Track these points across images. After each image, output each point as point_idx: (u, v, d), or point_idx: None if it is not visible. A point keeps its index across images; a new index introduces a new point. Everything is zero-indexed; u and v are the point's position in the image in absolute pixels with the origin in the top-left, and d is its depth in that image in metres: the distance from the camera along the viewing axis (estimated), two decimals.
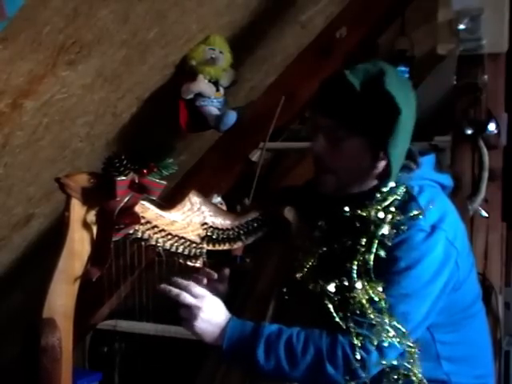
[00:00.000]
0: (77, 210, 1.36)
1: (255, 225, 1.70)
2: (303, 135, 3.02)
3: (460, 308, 1.67)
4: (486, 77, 2.41)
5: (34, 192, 2.44)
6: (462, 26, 2.36)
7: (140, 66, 2.34)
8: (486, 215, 2.43)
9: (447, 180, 1.74)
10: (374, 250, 1.52)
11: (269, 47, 2.80)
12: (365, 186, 1.64)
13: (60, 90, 2.11)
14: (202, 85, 2.55)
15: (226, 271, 1.79)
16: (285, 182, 3.38)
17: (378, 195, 1.58)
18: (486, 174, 2.41)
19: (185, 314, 1.56)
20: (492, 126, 2.40)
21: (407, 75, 2.97)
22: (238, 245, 1.69)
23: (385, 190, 1.58)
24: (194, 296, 1.55)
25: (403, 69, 2.91)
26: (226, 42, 2.56)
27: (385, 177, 1.61)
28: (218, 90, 2.60)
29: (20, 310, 2.74)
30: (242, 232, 1.68)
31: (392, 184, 1.59)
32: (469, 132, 2.43)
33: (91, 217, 1.37)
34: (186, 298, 1.55)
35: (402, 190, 1.58)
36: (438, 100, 2.93)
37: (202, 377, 1.71)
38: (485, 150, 2.41)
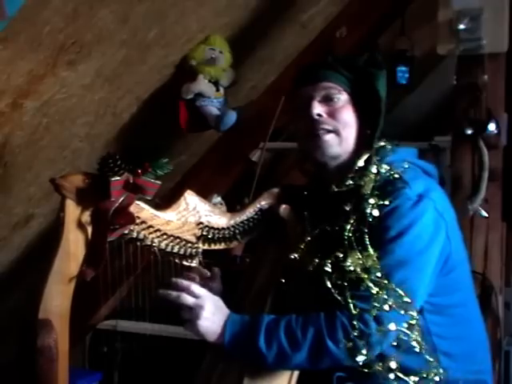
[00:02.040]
0: (72, 210, 1.36)
1: (251, 224, 1.71)
2: None
3: (454, 292, 1.68)
4: (485, 77, 2.41)
5: (33, 192, 2.45)
6: (462, 26, 2.36)
7: (140, 65, 2.34)
8: (486, 215, 2.42)
9: (431, 168, 1.78)
10: (365, 218, 1.55)
11: (269, 47, 2.80)
12: (350, 155, 1.70)
13: (60, 90, 2.12)
14: (202, 85, 2.55)
15: (217, 270, 1.81)
16: (285, 182, 3.37)
17: (361, 162, 1.64)
18: (485, 174, 2.41)
19: (187, 315, 1.56)
20: (492, 126, 2.40)
21: (407, 75, 2.98)
22: (234, 244, 1.69)
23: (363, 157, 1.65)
24: (195, 296, 1.56)
25: (403, 69, 2.92)
26: (225, 42, 2.56)
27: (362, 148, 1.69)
28: (218, 89, 2.60)
29: (20, 310, 2.74)
30: (237, 231, 1.68)
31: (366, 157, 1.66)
32: (469, 132, 2.42)
33: (86, 217, 1.37)
34: (187, 298, 1.55)
35: (385, 167, 1.63)
36: (438, 100, 2.93)
37: (199, 377, 1.71)
38: (485, 150, 2.41)
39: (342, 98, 1.70)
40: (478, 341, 1.78)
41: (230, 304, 1.65)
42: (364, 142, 1.70)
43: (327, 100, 1.70)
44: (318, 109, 1.69)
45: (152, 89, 2.51)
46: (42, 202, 2.51)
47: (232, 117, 2.61)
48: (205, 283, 1.72)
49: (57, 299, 1.37)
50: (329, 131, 1.69)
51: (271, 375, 1.59)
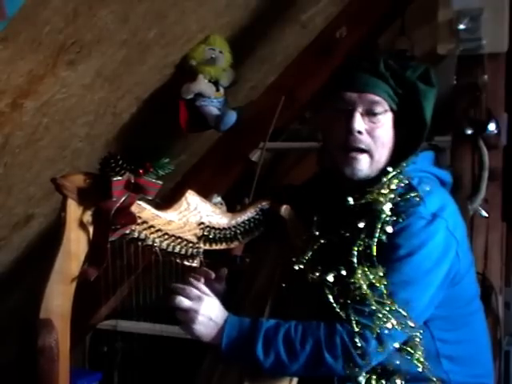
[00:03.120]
0: (73, 210, 1.35)
1: (252, 224, 1.70)
2: (303, 135, 3.02)
3: (460, 303, 1.68)
4: (485, 77, 2.40)
5: (33, 192, 2.45)
6: (462, 26, 2.35)
7: (140, 65, 2.34)
8: (486, 215, 2.42)
9: (446, 176, 1.76)
10: (376, 235, 1.52)
11: (269, 47, 2.80)
12: (378, 173, 1.65)
13: (60, 90, 2.12)
14: (202, 85, 2.55)
15: (224, 271, 1.80)
16: (285, 182, 3.37)
17: (384, 179, 1.59)
18: (485, 174, 2.41)
19: (182, 318, 1.57)
20: (492, 126, 2.40)
21: None
22: (235, 244, 1.69)
23: (388, 176, 1.60)
24: (191, 299, 1.56)
25: None
26: (226, 42, 2.56)
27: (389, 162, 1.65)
28: (218, 90, 2.60)
29: (20, 310, 2.74)
30: (238, 231, 1.68)
31: (391, 171, 1.61)
32: (469, 132, 2.42)
33: (87, 217, 1.37)
34: (183, 301, 1.55)
35: (402, 179, 1.60)
36: (438, 100, 2.92)
37: (199, 377, 1.71)
38: (485, 150, 2.41)
39: (386, 116, 1.63)
40: (481, 344, 1.78)
41: (230, 304, 1.66)
42: (393, 160, 1.65)
43: (370, 114, 1.62)
44: (359, 124, 1.61)
45: (152, 89, 2.51)
46: (42, 201, 2.51)
47: (232, 117, 2.61)
48: (209, 284, 1.71)
49: (58, 299, 1.37)
50: (363, 150, 1.63)
51: (272, 374, 1.59)
